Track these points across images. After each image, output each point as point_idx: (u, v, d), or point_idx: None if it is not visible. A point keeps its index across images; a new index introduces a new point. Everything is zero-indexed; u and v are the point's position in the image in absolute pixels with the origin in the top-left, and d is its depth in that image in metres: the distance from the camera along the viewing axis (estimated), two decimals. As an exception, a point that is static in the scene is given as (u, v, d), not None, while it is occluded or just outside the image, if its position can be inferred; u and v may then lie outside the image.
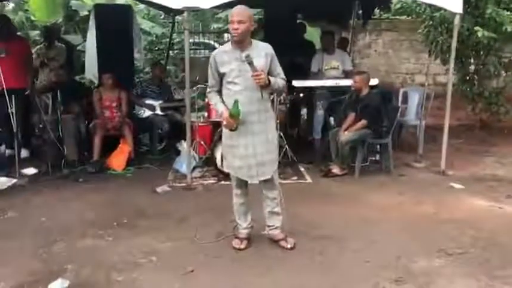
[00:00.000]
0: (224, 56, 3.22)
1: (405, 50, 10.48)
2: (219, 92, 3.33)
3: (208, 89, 3.39)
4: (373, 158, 5.72)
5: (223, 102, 3.28)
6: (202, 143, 5.52)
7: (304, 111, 7.05)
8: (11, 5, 12.05)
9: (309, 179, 5.26)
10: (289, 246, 3.47)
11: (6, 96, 5.15)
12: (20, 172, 5.21)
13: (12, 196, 4.69)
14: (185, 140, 5.03)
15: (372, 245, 3.55)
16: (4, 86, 5.11)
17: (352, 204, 4.45)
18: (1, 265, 3.23)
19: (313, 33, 8.86)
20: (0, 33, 5.77)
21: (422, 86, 6.99)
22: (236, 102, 3.11)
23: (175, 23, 8.64)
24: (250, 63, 3.08)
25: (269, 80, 3.17)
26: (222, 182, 5.02)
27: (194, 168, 5.29)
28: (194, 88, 5.84)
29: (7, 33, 5.87)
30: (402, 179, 5.28)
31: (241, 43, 3.16)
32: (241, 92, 3.18)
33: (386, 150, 5.44)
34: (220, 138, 5.20)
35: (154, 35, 11.19)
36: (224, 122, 3.23)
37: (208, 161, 5.42)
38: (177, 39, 11.27)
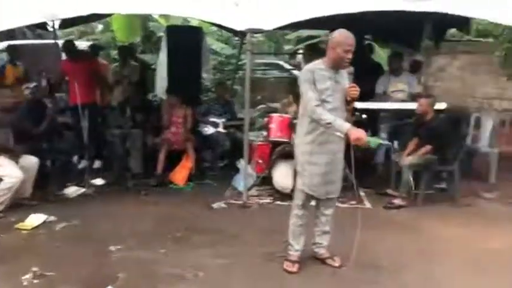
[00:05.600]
0: (321, 73, 3.26)
1: (483, 73, 9.86)
2: None
3: (315, 102, 3.19)
4: (439, 186, 5.42)
5: None
6: (260, 161, 5.54)
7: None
8: (100, 26, 13.03)
9: (368, 205, 5.09)
10: (337, 264, 3.48)
11: (80, 111, 5.54)
12: (89, 182, 5.52)
13: (80, 204, 4.97)
14: (244, 158, 5.08)
15: (427, 280, 3.35)
16: (77, 102, 5.48)
17: (411, 234, 4.23)
18: (58, 270, 3.39)
19: (382, 55, 8.65)
20: (69, 55, 6.38)
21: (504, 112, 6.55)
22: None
23: (244, 44, 8.81)
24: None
25: None
26: (278, 202, 5.01)
27: (251, 186, 5.32)
28: (258, 108, 5.90)
29: (75, 55, 6.38)
30: (469, 209, 4.94)
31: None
32: (331, 111, 3.20)
33: (453, 178, 5.13)
34: (278, 157, 5.25)
35: (224, 56, 11.48)
36: (355, 136, 3.09)
37: (265, 180, 5.42)
38: (245, 60, 11.48)
